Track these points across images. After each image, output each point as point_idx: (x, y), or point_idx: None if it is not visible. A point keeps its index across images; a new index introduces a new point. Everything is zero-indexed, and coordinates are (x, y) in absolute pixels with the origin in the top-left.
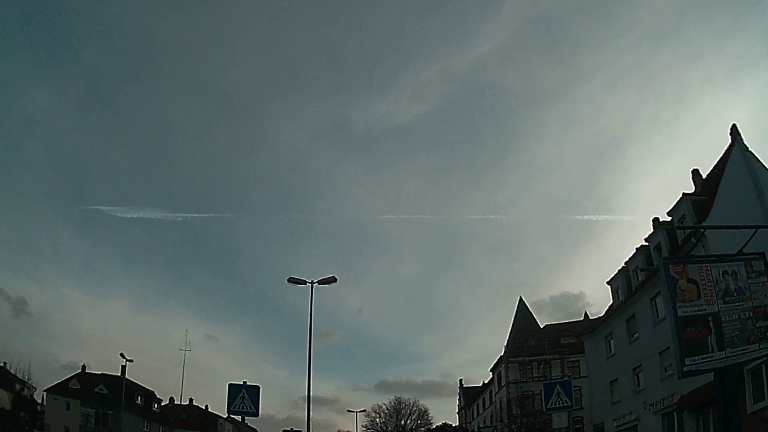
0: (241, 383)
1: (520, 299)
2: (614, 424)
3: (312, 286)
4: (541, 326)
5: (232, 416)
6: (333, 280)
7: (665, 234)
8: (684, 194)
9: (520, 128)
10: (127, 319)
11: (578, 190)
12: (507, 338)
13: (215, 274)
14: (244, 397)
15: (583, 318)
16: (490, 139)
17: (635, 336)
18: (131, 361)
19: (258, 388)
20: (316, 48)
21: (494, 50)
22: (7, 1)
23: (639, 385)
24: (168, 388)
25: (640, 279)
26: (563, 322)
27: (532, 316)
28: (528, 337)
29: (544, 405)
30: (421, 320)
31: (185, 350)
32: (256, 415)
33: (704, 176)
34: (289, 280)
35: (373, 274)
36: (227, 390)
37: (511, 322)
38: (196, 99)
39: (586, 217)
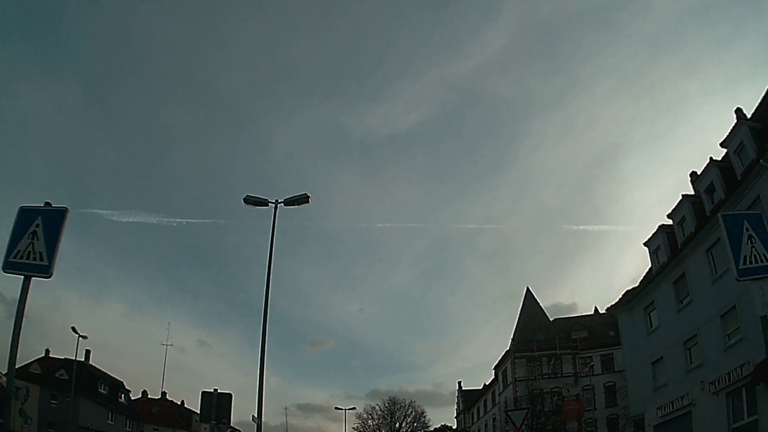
0: (40, 206)
1: (528, 290)
2: (659, 414)
3: (276, 207)
4: (551, 319)
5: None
6: (305, 198)
7: (718, 172)
8: (740, 119)
9: (515, 137)
10: (121, 323)
11: (574, 200)
12: (513, 332)
13: (209, 279)
14: (33, 239)
15: (593, 312)
16: (485, 147)
17: (687, 300)
18: (85, 337)
19: (63, 213)
20: (312, 54)
21: (491, 59)
22: (6, 2)
23: (692, 362)
24: (158, 391)
25: (687, 232)
26: (574, 315)
27: (541, 308)
28: (536, 331)
29: (734, 264)
30: (414, 329)
31: (167, 345)
32: (47, 272)
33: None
34: (245, 200)
35: (367, 282)
36: (13, 225)
37: (518, 315)
38: (192, 104)
39: (581, 227)
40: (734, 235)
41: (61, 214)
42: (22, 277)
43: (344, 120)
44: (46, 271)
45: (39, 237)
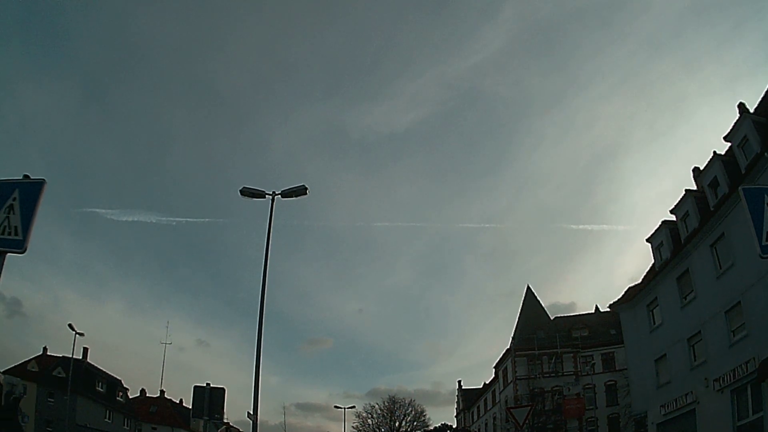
0: (18, 179)
1: (528, 288)
2: (662, 412)
3: (273, 199)
4: (552, 318)
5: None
6: (302, 190)
7: (721, 166)
8: (743, 112)
9: (515, 136)
10: (121, 322)
11: (573, 199)
12: (514, 330)
13: (209, 278)
14: (10, 213)
15: (594, 311)
16: (485, 146)
17: (690, 297)
18: (82, 334)
19: (41, 185)
20: (311, 53)
21: (490, 58)
22: (6, 2)
23: (696, 359)
24: (156, 389)
25: (691, 227)
26: (575, 314)
27: (542, 306)
28: (537, 330)
29: (757, 240)
30: (413, 328)
31: (166, 344)
32: (21, 248)
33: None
34: (242, 192)
35: (366, 281)
36: None
37: (518, 313)
38: (192, 103)
39: (580, 226)
40: (756, 209)
41: (38, 186)
42: None
43: (344, 119)
44: (19, 246)
45: (15, 211)
